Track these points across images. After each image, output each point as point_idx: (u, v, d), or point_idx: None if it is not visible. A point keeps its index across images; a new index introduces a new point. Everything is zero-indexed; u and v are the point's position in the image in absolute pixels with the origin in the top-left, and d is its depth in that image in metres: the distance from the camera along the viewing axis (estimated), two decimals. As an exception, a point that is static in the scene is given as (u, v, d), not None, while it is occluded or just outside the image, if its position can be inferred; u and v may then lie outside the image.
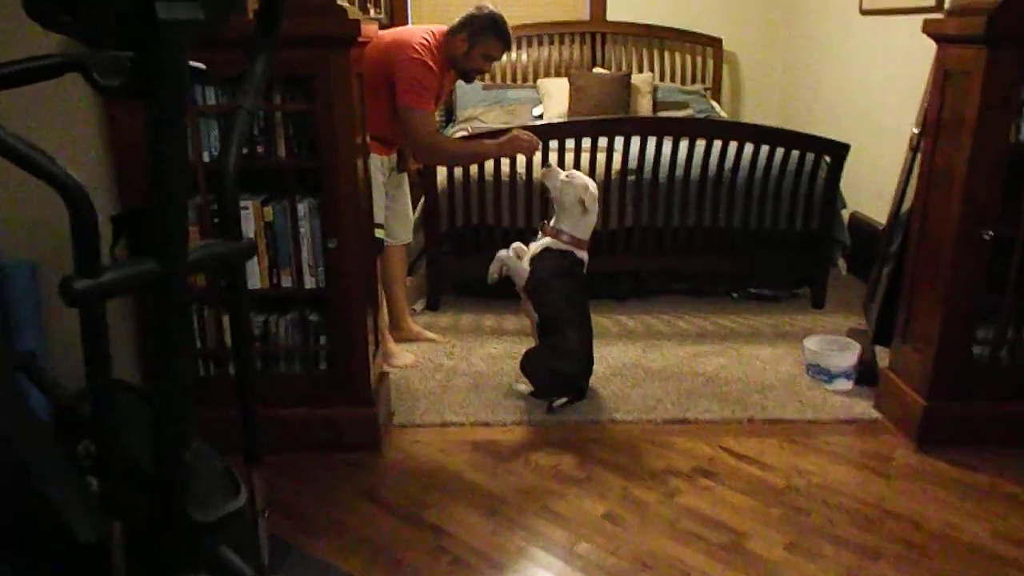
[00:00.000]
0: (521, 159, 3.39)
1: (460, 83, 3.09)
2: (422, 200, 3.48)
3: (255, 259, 2.20)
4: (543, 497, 2.15)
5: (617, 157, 3.43)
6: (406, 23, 5.07)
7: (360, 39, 2.10)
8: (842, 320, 3.45)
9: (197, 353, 2.26)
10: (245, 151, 2.15)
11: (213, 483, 1.38)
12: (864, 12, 4.14)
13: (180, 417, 1.16)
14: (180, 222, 1.16)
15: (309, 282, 2.23)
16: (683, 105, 4.85)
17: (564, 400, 2.61)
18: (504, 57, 5.22)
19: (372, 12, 5.04)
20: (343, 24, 2.01)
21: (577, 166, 3.38)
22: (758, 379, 2.86)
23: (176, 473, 1.15)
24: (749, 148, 3.39)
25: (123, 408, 1.37)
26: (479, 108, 4.87)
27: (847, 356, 2.78)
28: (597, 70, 5.12)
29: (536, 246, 2.66)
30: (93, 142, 2.14)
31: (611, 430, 2.52)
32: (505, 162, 3.39)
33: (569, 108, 4.73)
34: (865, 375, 2.79)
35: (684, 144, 3.40)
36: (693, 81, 5.26)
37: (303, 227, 2.19)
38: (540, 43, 5.24)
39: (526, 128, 3.48)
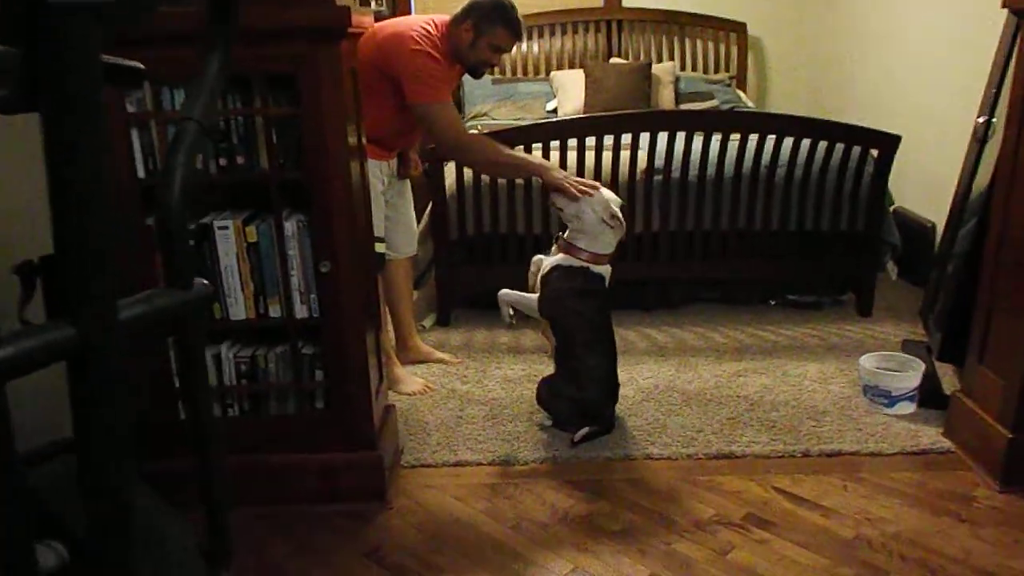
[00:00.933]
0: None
1: (467, 78, 2.79)
2: (429, 206, 3.19)
3: (239, 286, 1.92)
4: (574, 556, 1.86)
5: (642, 155, 3.13)
6: (409, 14, 4.77)
7: (352, 30, 1.81)
8: (892, 329, 3.14)
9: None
10: (223, 162, 1.86)
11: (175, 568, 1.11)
12: (907, -10, 3.81)
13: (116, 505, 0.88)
14: (102, 269, 0.87)
15: (301, 311, 1.95)
16: (707, 96, 4.53)
17: (587, 431, 2.32)
18: (514, 49, 4.94)
19: (373, 4, 4.75)
20: (331, 13, 1.71)
21: (598, 166, 3.08)
22: (808, 402, 2.56)
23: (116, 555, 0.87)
24: (787, 142, 3.08)
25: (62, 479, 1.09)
26: (488, 104, 4.57)
27: (910, 377, 2.47)
28: (614, 60, 4.81)
29: (548, 263, 2.36)
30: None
31: (647, 468, 2.22)
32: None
33: (585, 102, 4.43)
34: (929, 397, 2.49)
35: (716, 139, 3.09)
36: (717, 70, 4.94)
37: (291, 248, 1.90)
38: (553, 33, 4.93)
39: (543, 123, 3.20)
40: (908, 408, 2.47)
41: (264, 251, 1.91)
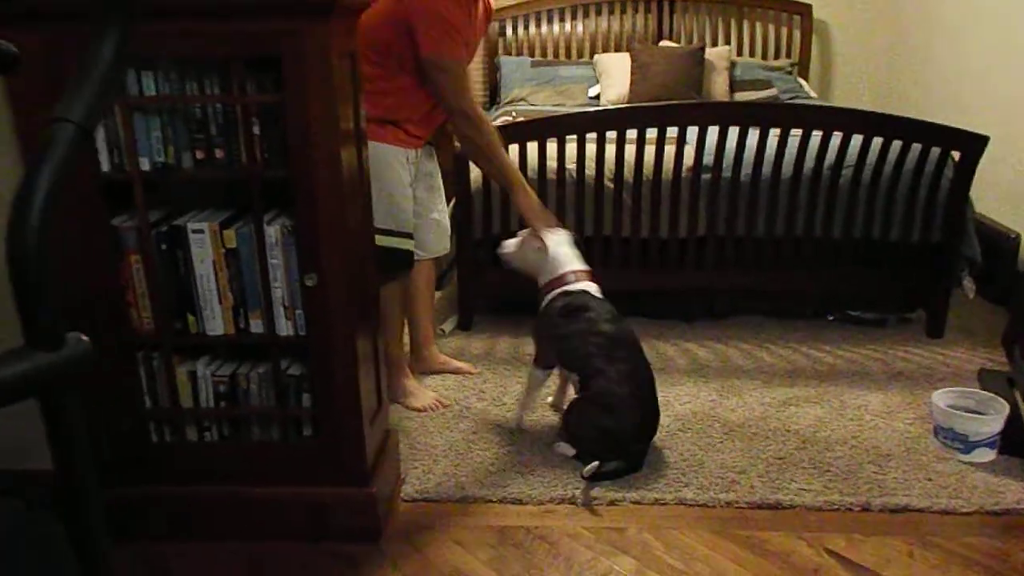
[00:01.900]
0: (572, 153, 2.80)
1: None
2: (453, 200, 2.93)
3: (215, 297, 1.68)
4: (588, 628, 1.59)
5: (689, 151, 2.81)
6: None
7: (347, 2, 1.54)
8: (967, 354, 2.79)
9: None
10: (200, 155, 1.62)
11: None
12: (998, -30, 3.38)
13: None
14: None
15: (285, 327, 1.70)
16: (765, 84, 4.17)
17: (597, 465, 2.03)
18: (556, 29, 4.64)
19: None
20: (320, -17, 1.45)
21: (639, 161, 2.78)
22: (870, 442, 2.24)
23: None
24: (856, 140, 2.73)
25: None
26: (526, 88, 4.28)
27: (991, 421, 2.13)
28: (664, 43, 4.46)
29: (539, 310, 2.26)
30: None
31: (679, 517, 1.94)
32: (552, 156, 2.80)
33: (631, 88, 4.10)
34: (1014, 444, 2.15)
35: (773, 135, 2.75)
36: (777, 56, 4.56)
37: (275, 257, 1.65)
38: (598, 12, 4.59)
39: (579, 113, 2.90)
40: (988, 455, 2.14)
41: (245, 259, 1.66)
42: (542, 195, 2.81)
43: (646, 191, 2.83)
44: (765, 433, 2.29)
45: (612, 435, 2.06)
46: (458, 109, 2.21)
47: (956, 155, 2.76)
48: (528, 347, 2.86)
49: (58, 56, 1.45)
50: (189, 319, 1.70)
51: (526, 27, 4.59)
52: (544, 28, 4.61)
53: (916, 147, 2.72)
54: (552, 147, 2.80)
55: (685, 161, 2.80)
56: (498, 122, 3.24)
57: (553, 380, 2.38)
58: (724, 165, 2.80)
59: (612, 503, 1.98)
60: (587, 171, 2.81)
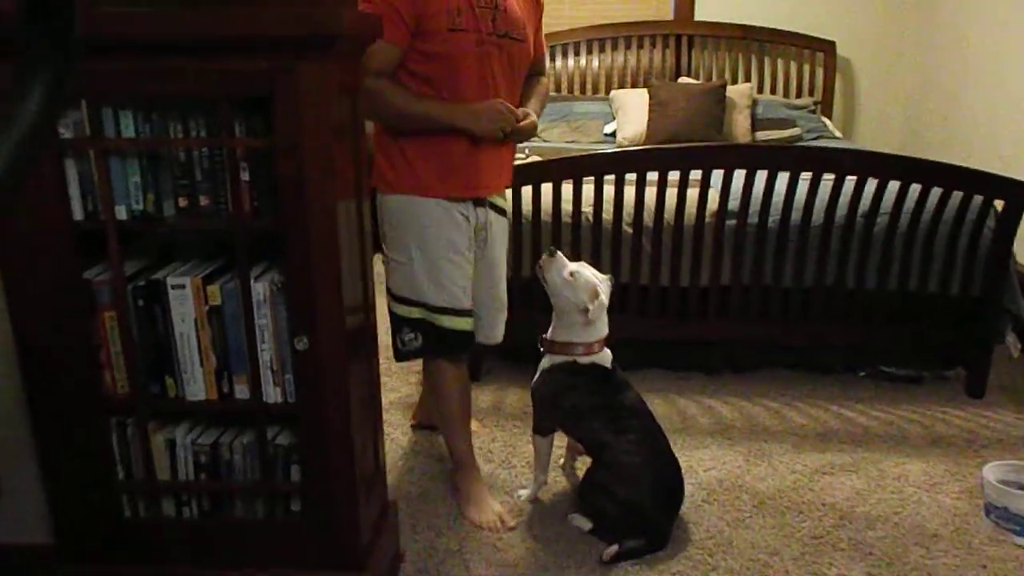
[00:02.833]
0: (589, 195, 2.64)
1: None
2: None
3: (197, 359, 1.51)
4: None
5: (713, 194, 2.65)
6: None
7: (351, 35, 1.39)
8: (1012, 417, 2.59)
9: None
10: (184, 203, 1.46)
11: None
12: (1035, 8, 3.24)
13: None
14: None
15: (273, 393, 1.53)
16: (789, 123, 4.02)
17: (618, 548, 1.85)
18: (571, 63, 4.51)
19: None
20: (316, 16, 1.30)
21: (661, 203, 2.62)
22: (914, 519, 2.04)
23: None
24: (892, 186, 2.56)
25: None
26: (541, 123, 4.12)
27: (1052, 500, 1.93)
28: (683, 80, 4.32)
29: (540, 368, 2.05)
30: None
31: (708, 607, 1.74)
32: (567, 196, 2.65)
33: (648, 126, 3.96)
34: (1075, 525, 1.94)
35: (803, 179, 2.59)
36: (799, 94, 4.41)
37: (263, 316, 1.49)
38: (615, 47, 4.47)
39: (597, 154, 2.75)
40: (1047, 539, 1.94)
41: (230, 317, 1.50)
42: (556, 239, 2.66)
43: (667, 237, 2.66)
44: (798, 507, 2.09)
45: (632, 507, 1.87)
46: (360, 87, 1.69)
47: (999, 204, 2.58)
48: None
49: None
50: (167, 382, 1.54)
51: (540, 61, 4.47)
52: (559, 62, 4.48)
53: (957, 195, 2.55)
54: (567, 188, 2.64)
55: (709, 206, 2.64)
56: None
57: (561, 438, 2.19)
58: (751, 211, 2.63)
59: (632, 589, 1.79)
60: (604, 214, 2.65)
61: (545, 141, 4.01)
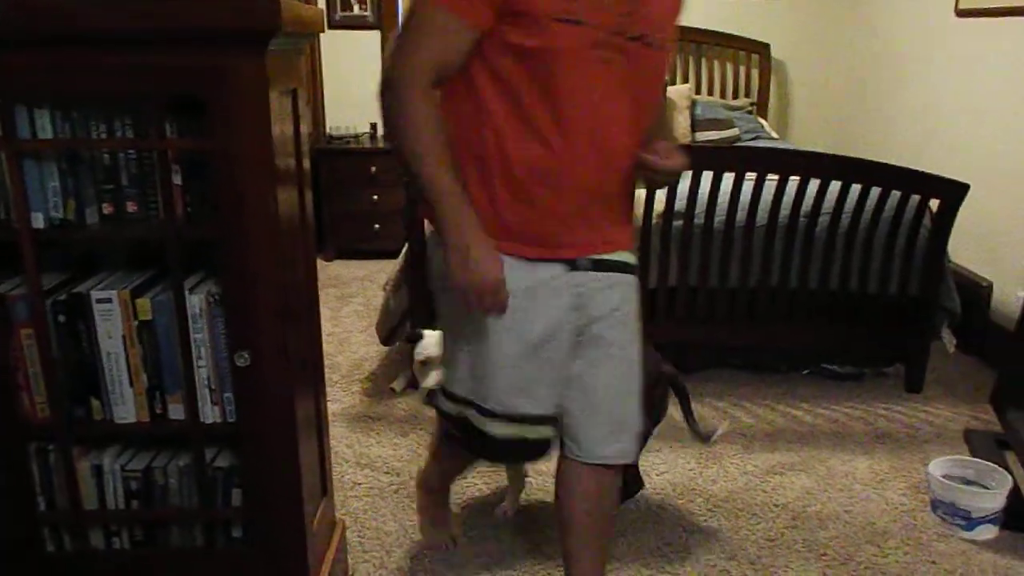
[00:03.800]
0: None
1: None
2: (405, 250, 2.69)
3: (126, 378, 1.40)
4: None
5: (660, 196, 2.63)
6: (396, 17, 4.28)
7: (296, 29, 1.30)
8: (949, 411, 2.66)
9: None
10: (108, 210, 1.35)
11: None
12: (961, 13, 3.34)
13: None
14: None
15: (211, 413, 1.43)
16: (727, 124, 4.06)
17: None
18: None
19: (356, 8, 4.29)
20: (255, 6, 1.21)
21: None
22: (864, 517, 2.06)
23: None
24: (833, 187, 2.59)
25: None
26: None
27: (994, 496, 1.97)
28: (623, 80, 4.31)
29: None
30: None
31: (668, 616, 1.71)
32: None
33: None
34: (1015, 517, 1.99)
35: (749, 180, 2.60)
36: (736, 95, 4.47)
37: (199, 330, 1.38)
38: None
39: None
40: (991, 532, 1.98)
41: (162, 333, 1.39)
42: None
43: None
44: (751, 509, 2.09)
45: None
46: (387, 78, 1.28)
47: (934, 204, 2.65)
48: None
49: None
50: (93, 404, 1.42)
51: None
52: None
53: (895, 195, 2.60)
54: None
55: (656, 207, 2.62)
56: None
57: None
58: (696, 211, 2.63)
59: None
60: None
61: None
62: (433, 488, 1.88)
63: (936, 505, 2.05)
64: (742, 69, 4.47)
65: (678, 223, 2.65)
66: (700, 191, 2.60)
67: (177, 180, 1.34)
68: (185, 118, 1.31)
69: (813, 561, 1.88)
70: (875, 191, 2.59)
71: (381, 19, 4.32)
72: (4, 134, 1.27)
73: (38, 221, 1.33)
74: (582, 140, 1.27)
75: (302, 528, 1.49)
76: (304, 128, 1.51)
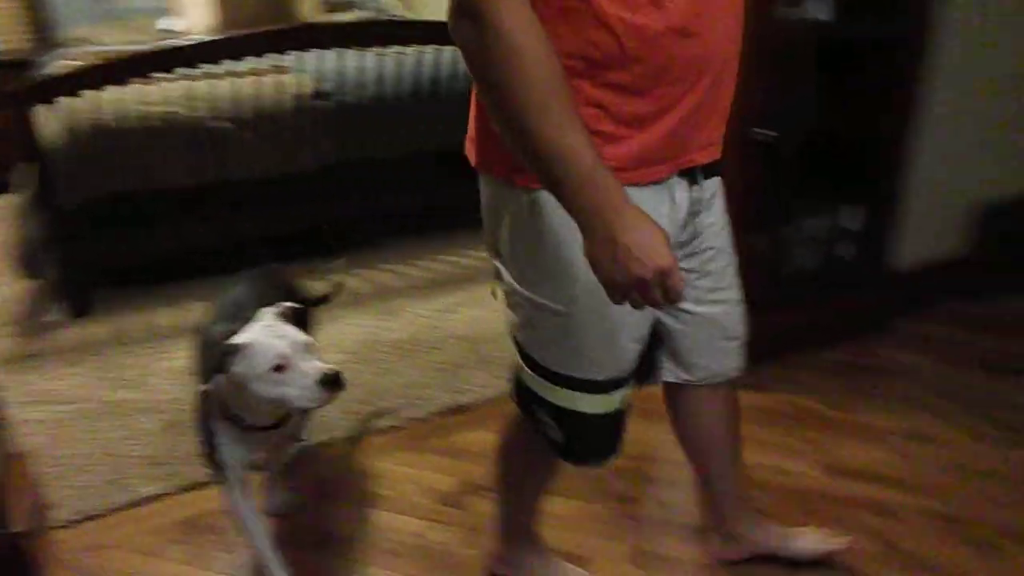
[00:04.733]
0: (172, 94, 2.46)
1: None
2: (23, 169, 2.43)
3: None
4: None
5: (306, 79, 2.68)
6: None
7: None
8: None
9: None
10: None
11: None
12: None
13: None
14: None
15: None
16: (352, 6, 4.10)
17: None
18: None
19: None
20: None
21: (247, 92, 2.56)
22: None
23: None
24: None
25: None
26: (84, 26, 3.65)
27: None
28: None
29: None
30: None
31: (377, 446, 1.92)
32: (155, 100, 2.45)
33: (221, 20, 3.71)
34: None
35: (391, 55, 2.74)
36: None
37: None
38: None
39: (165, 51, 2.57)
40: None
41: None
42: (149, 146, 2.46)
43: (266, 125, 2.63)
44: (433, 343, 2.36)
45: None
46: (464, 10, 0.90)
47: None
48: (164, 320, 2.55)
49: None
50: None
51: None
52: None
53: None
54: (152, 89, 2.45)
55: (303, 90, 2.66)
56: (57, 69, 2.73)
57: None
58: (346, 91, 2.72)
59: (305, 458, 1.88)
60: (193, 111, 2.52)
61: (104, 45, 3.53)
62: (521, 527, 1.46)
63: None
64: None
65: (325, 103, 2.72)
66: (346, 70, 2.71)
67: None
68: None
69: (488, 372, 2.20)
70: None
71: None
72: None
73: None
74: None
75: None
76: None
